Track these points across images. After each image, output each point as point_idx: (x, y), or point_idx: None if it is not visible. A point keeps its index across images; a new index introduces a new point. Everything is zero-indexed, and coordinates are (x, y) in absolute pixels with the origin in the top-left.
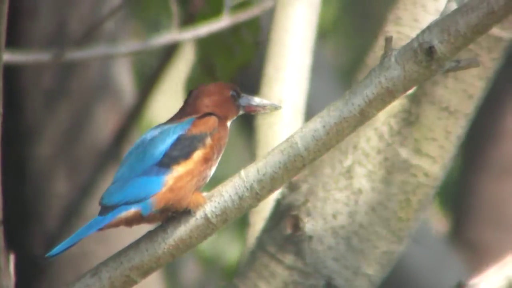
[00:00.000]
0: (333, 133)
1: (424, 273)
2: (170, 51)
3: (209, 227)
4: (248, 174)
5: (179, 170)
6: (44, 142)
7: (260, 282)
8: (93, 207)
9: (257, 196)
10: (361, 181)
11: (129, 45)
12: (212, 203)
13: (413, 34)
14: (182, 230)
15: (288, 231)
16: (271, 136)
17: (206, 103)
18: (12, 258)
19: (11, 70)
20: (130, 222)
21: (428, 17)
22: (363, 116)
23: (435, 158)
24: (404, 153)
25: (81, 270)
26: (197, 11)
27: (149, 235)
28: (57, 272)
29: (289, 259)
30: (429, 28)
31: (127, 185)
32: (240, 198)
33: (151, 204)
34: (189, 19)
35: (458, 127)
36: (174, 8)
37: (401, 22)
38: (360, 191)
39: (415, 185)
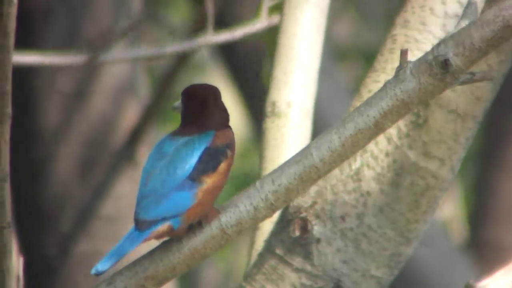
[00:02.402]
0: (348, 145)
1: (436, 277)
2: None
3: (223, 238)
4: (263, 185)
5: (208, 183)
6: (59, 144)
7: (268, 285)
8: (107, 208)
9: (272, 207)
10: (370, 183)
11: (146, 50)
12: (227, 214)
13: (421, 37)
14: (197, 241)
15: (297, 233)
16: (280, 138)
17: (216, 111)
18: (21, 261)
19: (27, 72)
20: (161, 235)
21: (436, 20)
22: (378, 128)
23: (443, 160)
24: (412, 155)
25: None
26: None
27: (164, 245)
28: (71, 272)
29: (297, 261)
30: (444, 41)
31: (163, 200)
32: (255, 208)
33: (183, 219)
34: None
35: (466, 130)
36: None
37: (408, 25)
38: (368, 193)
39: (424, 187)
